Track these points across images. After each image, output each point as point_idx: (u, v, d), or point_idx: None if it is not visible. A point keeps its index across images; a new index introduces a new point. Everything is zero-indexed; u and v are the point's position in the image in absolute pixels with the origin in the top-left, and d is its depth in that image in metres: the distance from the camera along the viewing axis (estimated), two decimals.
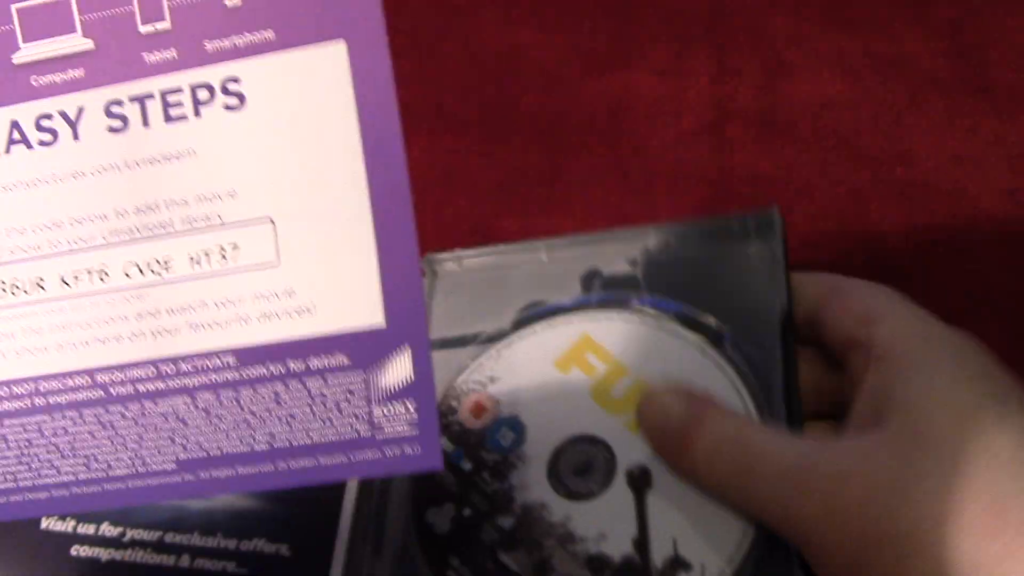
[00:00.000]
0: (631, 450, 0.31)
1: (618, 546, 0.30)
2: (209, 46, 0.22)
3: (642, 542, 0.30)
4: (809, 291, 0.31)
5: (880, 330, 0.28)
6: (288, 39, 0.22)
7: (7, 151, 0.23)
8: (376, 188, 0.22)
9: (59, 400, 0.23)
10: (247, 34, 0.22)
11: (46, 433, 0.23)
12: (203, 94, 0.22)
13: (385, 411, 0.22)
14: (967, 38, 0.50)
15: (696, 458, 0.29)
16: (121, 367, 0.23)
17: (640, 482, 0.30)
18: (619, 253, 0.35)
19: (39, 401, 0.23)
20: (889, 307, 0.29)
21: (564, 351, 0.33)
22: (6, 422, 0.23)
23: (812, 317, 0.31)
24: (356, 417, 0.22)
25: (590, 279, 0.36)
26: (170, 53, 0.22)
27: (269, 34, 0.22)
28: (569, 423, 0.32)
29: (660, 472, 0.30)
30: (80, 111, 0.22)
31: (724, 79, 0.50)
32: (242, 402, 0.22)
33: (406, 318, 0.22)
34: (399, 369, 0.22)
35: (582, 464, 0.31)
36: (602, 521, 0.31)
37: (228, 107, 0.22)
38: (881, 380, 0.27)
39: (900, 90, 0.49)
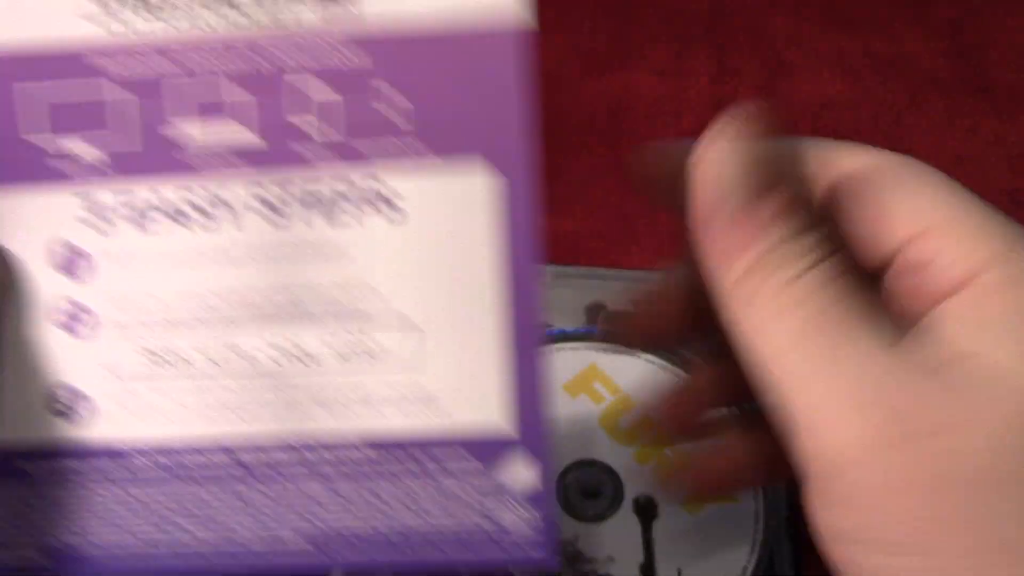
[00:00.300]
0: (639, 481, 0.32)
1: (626, 570, 0.30)
2: (380, 161, 0.23)
3: (648, 570, 0.30)
4: (815, 186, 0.24)
5: (954, 253, 0.21)
6: (450, 163, 0.24)
7: (157, 225, 0.24)
8: (513, 308, 0.24)
9: (188, 470, 0.24)
10: (415, 156, 0.23)
11: (171, 504, 0.24)
12: (367, 203, 0.24)
13: (511, 514, 0.24)
14: (967, 38, 0.50)
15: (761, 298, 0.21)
16: (256, 445, 0.24)
17: (647, 511, 0.31)
18: (624, 291, 0.36)
19: (167, 469, 0.24)
20: (950, 214, 0.22)
21: (572, 377, 0.34)
22: (131, 489, 0.24)
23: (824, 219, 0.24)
24: (484, 517, 0.24)
25: (595, 311, 0.36)
26: (338, 157, 0.24)
27: (436, 159, 0.23)
28: (578, 446, 0.33)
29: (666, 504, 0.31)
30: (235, 194, 0.24)
31: (724, 79, 0.50)
32: (378, 492, 0.24)
33: (533, 429, 0.24)
34: (525, 476, 0.24)
35: (591, 487, 0.32)
36: (610, 544, 0.31)
37: (389, 219, 0.23)
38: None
39: (900, 90, 0.49)
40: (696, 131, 0.22)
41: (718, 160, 0.22)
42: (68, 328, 0.24)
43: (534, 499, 0.24)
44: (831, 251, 0.22)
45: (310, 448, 0.24)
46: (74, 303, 0.24)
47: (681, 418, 0.28)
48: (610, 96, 0.50)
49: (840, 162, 0.23)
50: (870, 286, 0.23)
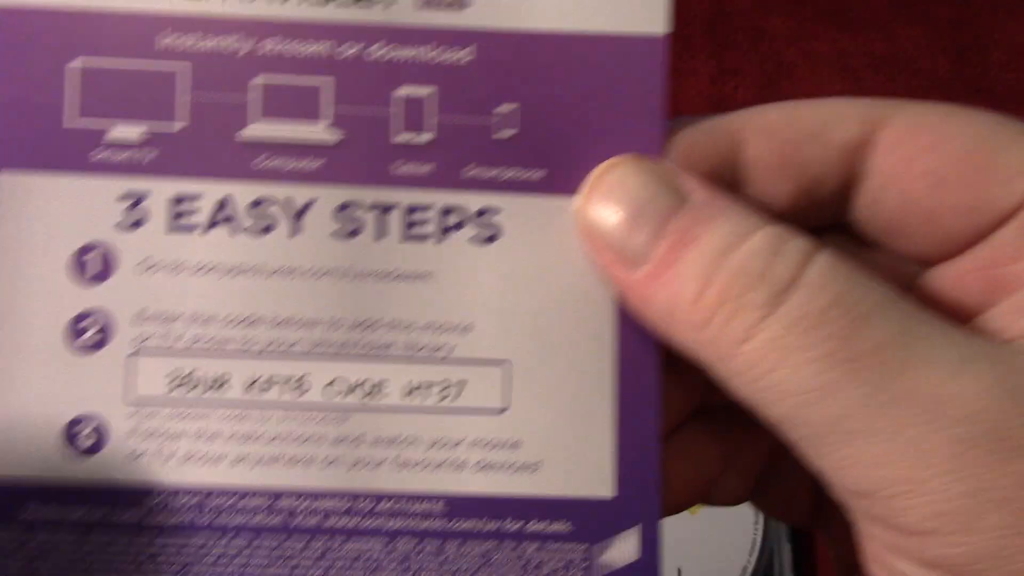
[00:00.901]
0: None
1: None
2: (470, 171, 0.20)
3: None
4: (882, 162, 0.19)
5: None
6: (556, 184, 0.20)
7: (208, 229, 0.20)
8: (623, 351, 0.20)
9: (229, 521, 0.20)
10: (516, 169, 0.20)
11: (207, 559, 0.20)
12: (453, 219, 0.20)
13: None
14: (967, 38, 0.50)
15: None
16: (310, 494, 0.20)
17: None
18: None
19: (204, 519, 0.20)
20: None
21: None
22: (160, 539, 0.19)
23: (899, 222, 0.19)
24: None
25: None
26: (424, 168, 0.20)
27: (539, 174, 0.20)
28: None
29: None
30: (307, 205, 0.20)
31: (724, 79, 0.50)
32: (446, 556, 0.20)
33: (639, 493, 0.20)
34: (625, 546, 0.20)
35: None
36: None
37: (478, 238, 0.20)
38: None
39: (900, 90, 0.49)
40: None
41: (614, 182, 0.19)
42: (89, 347, 0.20)
43: (632, 571, 0.20)
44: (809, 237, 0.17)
45: (369, 497, 0.20)
46: (96, 316, 0.20)
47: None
48: None
49: (892, 119, 0.19)
50: (870, 263, 0.20)
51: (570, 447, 0.20)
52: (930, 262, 0.20)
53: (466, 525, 0.20)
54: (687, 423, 0.22)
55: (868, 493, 0.16)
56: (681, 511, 0.22)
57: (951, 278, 0.19)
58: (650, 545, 0.20)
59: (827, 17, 0.51)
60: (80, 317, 0.20)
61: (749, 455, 0.22)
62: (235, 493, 0.20)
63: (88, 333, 0.20)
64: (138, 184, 0.20)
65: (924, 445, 0.16)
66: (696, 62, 0.50)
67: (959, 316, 0.19)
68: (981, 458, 0.16)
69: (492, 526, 0.20)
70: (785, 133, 0.19)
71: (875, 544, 0.17)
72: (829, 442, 0.16)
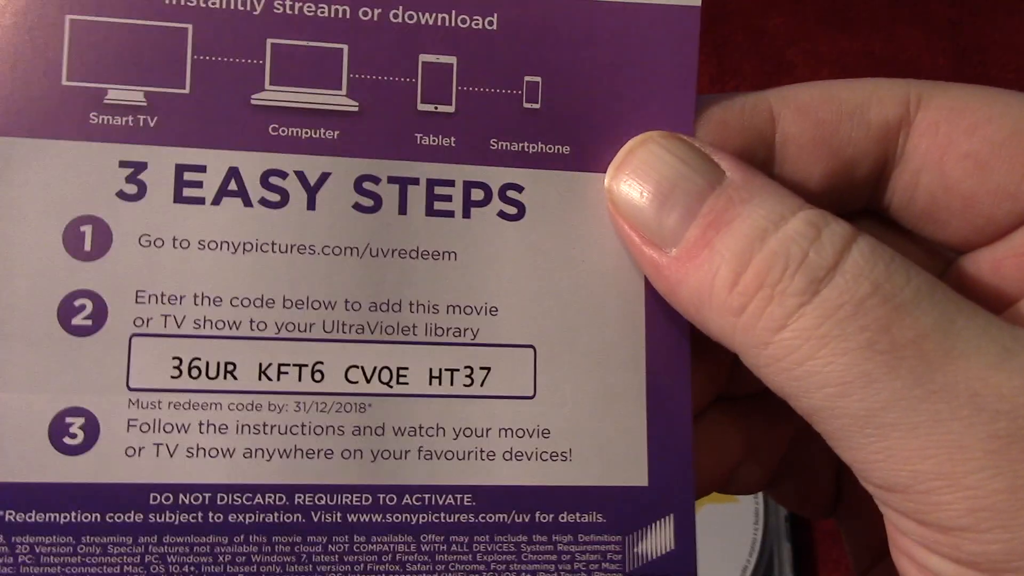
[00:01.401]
0: None
1: None
2: (495, 144, 0.19)
3: None
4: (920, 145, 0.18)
5: None
6: (583, 159, 0.19)
7: (216, 201, 0.18)
8: (653, 332, 0.19)
9: (242, 520, 0.18)
10: (541, 143, 0.19)
11: (221, 560, 0.18)
12: (477, 194, 0.19)
13: None
14: (967, 38, 0.50)
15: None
16: (329, 489, 0.18)
17: None
18: None
19: (215, 518, 0.18)
20: None
21: None
22: (167, 539, 0.18)
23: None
24: None
25: None
26: (448, 140, 0.19)
27: (565, 149, 0.19)
28: None
29: None
30: (324, 177, 0.18)
31: (724, 79, 0.49)
32: (476, 551, 0.19)
33: (672, 481, 0.19)
34: (660, 536, 0.19)
35: None
36: None
37: (503, 214, 0.19)
38: None
39: None
40: None
41: (645, 159, 0.18)
42: (82, 329, 0.18)
43: (668, 562, 0.19)
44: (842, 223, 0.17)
45: (392, 491, 0.19)
46: (92, 294, 0.18)
47: None
48: None
49: (932, 100, 0.18)
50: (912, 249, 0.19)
51: (601, 434, 0.19)
52: (965, 249, 0.19)
53: (496, 518, 0.19)
54: (708, 410, 0.21)
55: (902, 488, 0.16)
56: (698, 499, 0.21)
57: (988, 265, 0.19)
58: (685, 534, 0.19)
59: (827, 17, 0.50)
60: (74, 295, 0.18)
61: (770, 444, 0.22)
62: (247, 490, 0.18)
63: (82, 314, 0.18)
64: (140, 151, 0.18)
65: (962, 440, 0.15)
66: None
67: (995, 304, 0.18)
68: (1021, 454, 0.15)
69: (523, 519, 0.19)
70: (820, 112, 0.18)
71: (906, 539, 0.17)
72: (864, 435, 0.16)
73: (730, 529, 0.43)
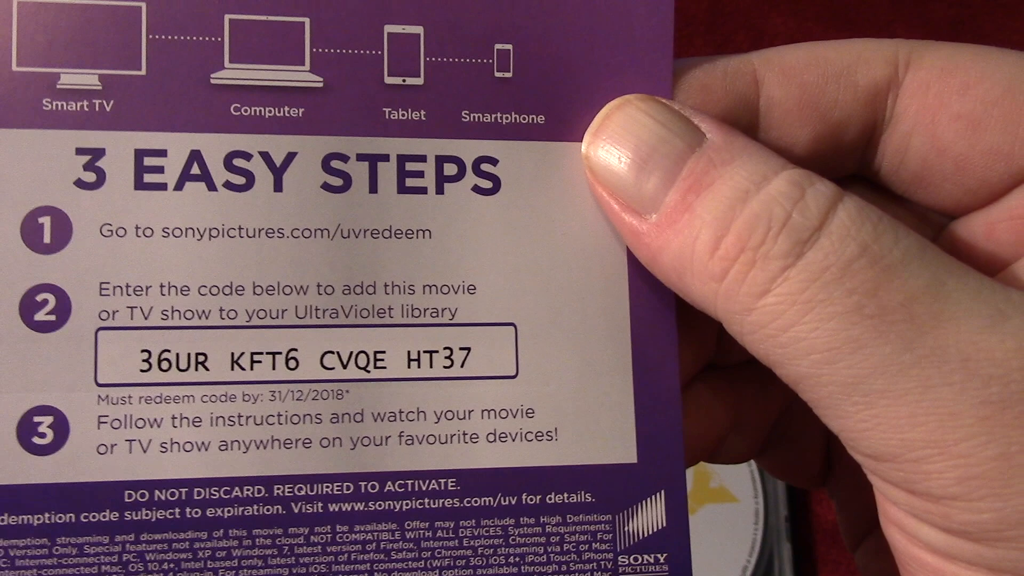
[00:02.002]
0: None
1: None
2: (467, 116, 0.18)
3: None
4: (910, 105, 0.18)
5: None
6: (558, 128, 0.18)
7: (179, 186, 0.18)
8: (637, 304, 0.18)
9: (220, 514, 0.18)
10: (514, 114, 0.18)
11: (201, 555, 0.18)
12: (450, 168, 0.18)
13: (632, 560, 0.19)
14: (967, 38, 0.50)
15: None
16: (308, 479, 0.18)
17: None
18: None
19: (192, 513, 0.17)
20: None
21: None
22: (144, 536, 0.17)
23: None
24: (597, 565, 0.19)
25: None
26: (418, 114, 0.18)
27: (539, 118, 0.18)
28: None
29: None
30: (290, 157, 0.18)
31: None
32: (462, 536, 0.18)
33: (662, 457, 0.18)
34: (650, 514, 0.19)
35: None
36: None
37: (478, 189, 0.18)
38: None
39: None
40: None
41: (622, 123, 0.17)
42: (46, 325, 0.17)
43: (660, 540, 0.19)
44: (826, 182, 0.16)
45: (374, 478, 0.18)
46: (54, 288, 0.17)
47: None
48: None
49: (921, 60, 0.18)
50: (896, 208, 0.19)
51: (587, 412, 0.18)
52: (958, 213, 0.18)
53: (481, 502, 0.18)
54: (696, 379, 0.21)
55: (891, 456, 0.15)
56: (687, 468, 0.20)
57: (981, 228, 0.18)
58: (677, 511, 0.19)
59: (827, 17, 0.50)
60: (35, 290, 0.17)
61: (758, 414, 0.22)
62: (224, 483, 0.18)
63: (45, 309, 0.17)
64: (97, 137, 0.17)
65: (953, 406, 0.15)
66: None
67: (989, 268, 0.18)
68: (1014, 420, 0.14)
69: (509, 501, 0.18)
70: (806, 75, 0.18)
71: (895, 509, 0.16)
72: (851, 402, 0.15)
73: (730, 529, 0.43)
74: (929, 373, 0.15)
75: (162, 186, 0.18)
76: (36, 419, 0.17)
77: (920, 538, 0.16)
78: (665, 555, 0.19)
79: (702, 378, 0.21)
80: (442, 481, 0.18)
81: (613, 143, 0.17)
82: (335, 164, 0.18)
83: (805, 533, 0.44)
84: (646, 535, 0.19)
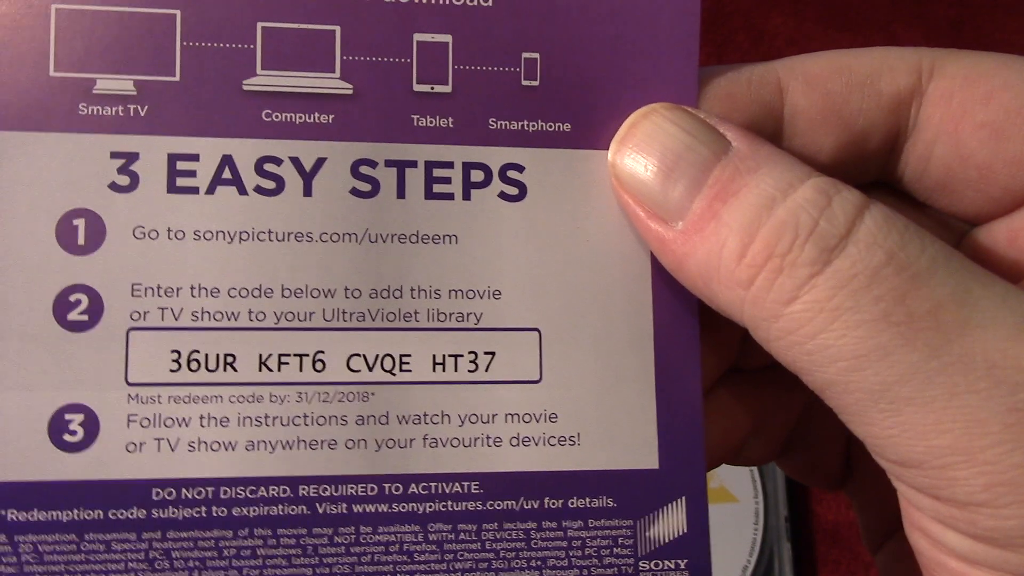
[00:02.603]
0: None
1: None
2: (494, 124, 0.18)
3: None
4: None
5: None
6: (584, 136, 0.19)
7: (210, 190, 0.18)
8: (660, 310, 0.19)
9: (246, 513, 0.18)
10: (541, 121, 0.19)
11: (226, 554, 0.18)
12: (477, 175, 0.18)
13: (653, 566, 0.19)
14: (967, 38, 0.50)
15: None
16: (333, 480, 0.18)
17: None
18: None
19: (218, 511, 0.18)
20: None
21: None
22: (171, 534, 0.18)
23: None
24: (619, 570, 0.19)
25: None
26: (445, 121, 0.18)
27: (565, 126, 0.19)
28: None
29: None
30: (319, 162, 0.18)
31: None
32: (484, 539, 0.18)
33: (683, 463, 0.19)
34: (671, 521, 0.19)
35: None
36: None
37: (504, 195, 0.19)
38: None
39: None
40: None
41: (648, 131, 0.18)
42: (79, 325, 0.18)
43: (681, 547, 0.19)
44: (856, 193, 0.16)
45: (398, 480, 0.18)
46: (87, 288, 0.18)
47: None
48: None
49: (945, 68, 0.18)
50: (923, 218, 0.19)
51: (610, 417, 0.19)
52: (980, 221, 0.19)
53: (504, 505, 0.18)
54: (718, 383, 0.21)
55: (917, 463, 0.16)
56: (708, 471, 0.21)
57: (1003, 236, 0.18)
58: (698, 517, 0.19)
59: (827, 17, 0.50)
60: (69, 290, 0.18)
61: (779, 417, 0.22)
62: (250, 483, 0.18)
63: (78, 309, 0.18)
64: (131, 142, 0.18)
65: (980, 413, 0.15)
66: None
67: (1011, 275, 0.18)
68: None
69: (532, 505, 0.18)
70: (830, 83, 0.18)
71: (920, 514, 0.16)
72: (877, 409, 0.15)
73: (730, 529, 0.43)
74: (956, 380, 0.15)
75: (194, 190, 0.18)
76: (67, 417, 0.17)
77: (945, 543, 0.16)
78: (686, 561, 0.19)
79: (724, 382, 0.21)
80: (465, 484, 0.18)
81: (639, 151, 0.17)
82: (364, 170, 0.18)
83: (805, 533, 0.44)
84: (667, 541, 0.19)
